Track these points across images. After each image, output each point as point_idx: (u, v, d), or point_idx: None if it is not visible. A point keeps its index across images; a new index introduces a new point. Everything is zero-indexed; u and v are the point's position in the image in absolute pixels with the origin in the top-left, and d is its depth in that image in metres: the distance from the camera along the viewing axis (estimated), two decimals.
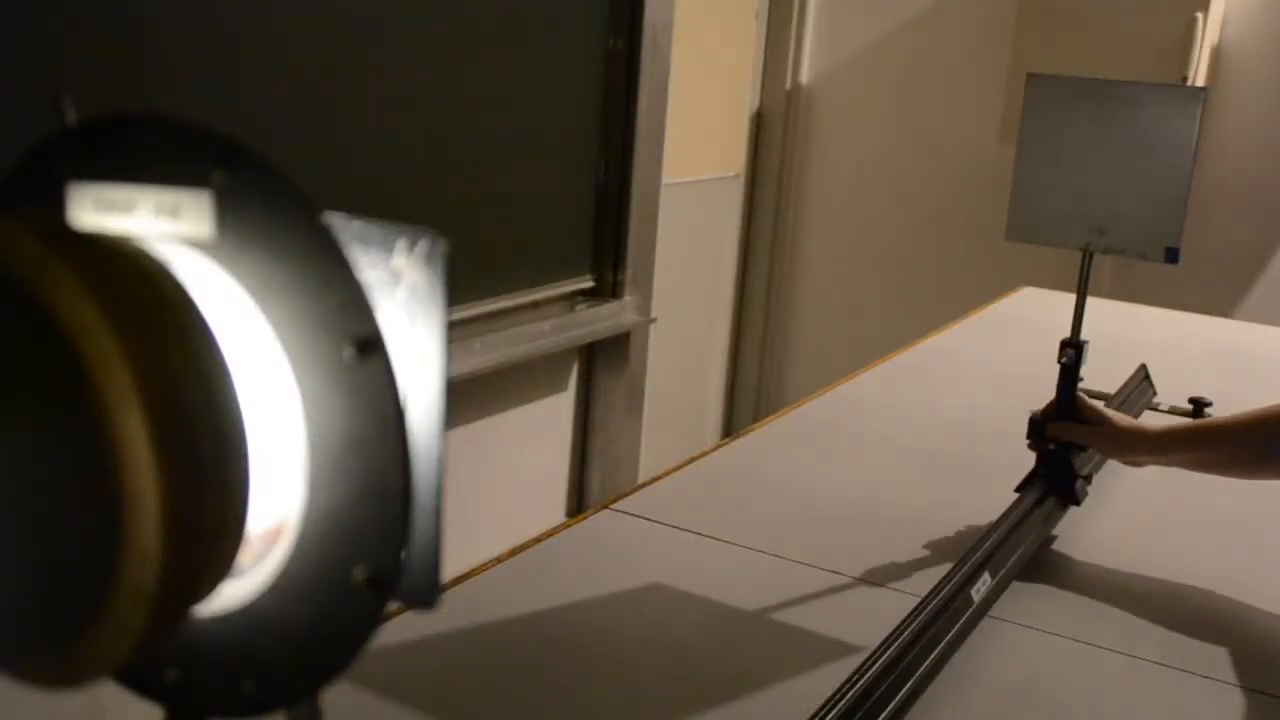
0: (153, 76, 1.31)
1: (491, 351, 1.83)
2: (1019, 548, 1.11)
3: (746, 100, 3.44)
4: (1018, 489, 1.20)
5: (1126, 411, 1.56)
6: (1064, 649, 1.00)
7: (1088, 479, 1.24)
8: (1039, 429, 1.20)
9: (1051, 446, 1.20)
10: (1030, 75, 1.17)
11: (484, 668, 0.92)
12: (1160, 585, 1.14)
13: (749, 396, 3.68)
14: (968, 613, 0.97)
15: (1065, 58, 2.87)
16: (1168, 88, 1.17)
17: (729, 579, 1.09)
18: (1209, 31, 2.75)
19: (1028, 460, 1.21)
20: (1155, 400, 1.65)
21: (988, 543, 1.07)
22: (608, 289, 2.15)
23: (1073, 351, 1.25)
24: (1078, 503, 1.22)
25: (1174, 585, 1.14)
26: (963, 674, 0.94)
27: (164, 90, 1.31)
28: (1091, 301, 2.44)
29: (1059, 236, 1.21)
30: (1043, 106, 1.18)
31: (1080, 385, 1.62)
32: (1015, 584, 1.09)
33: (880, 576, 1.10)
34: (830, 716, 0.78)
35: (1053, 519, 1.22)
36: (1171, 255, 1.16)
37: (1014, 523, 1.13)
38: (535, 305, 1.97)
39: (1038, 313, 2.32)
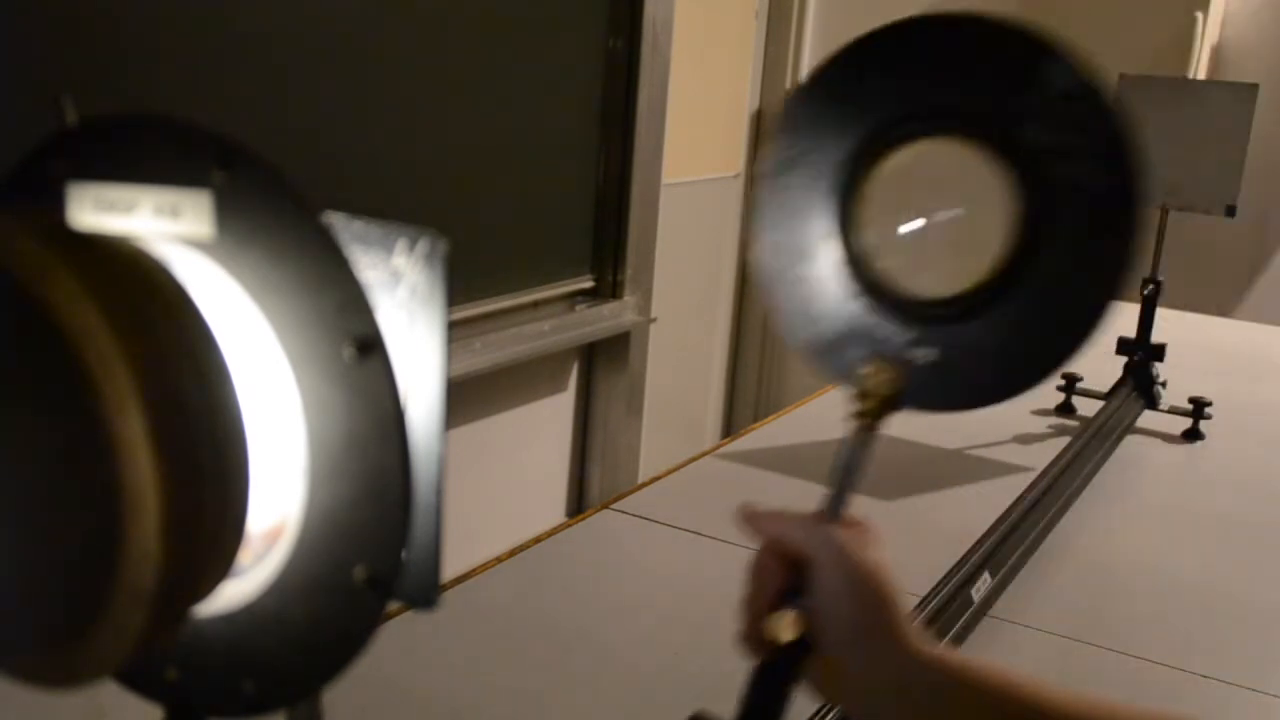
0: (153, 76, 1.31)
1: (491, 351, 1.83)
2: (1019, 548, 1.11)
3: (746, 100, 3.44)
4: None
5: (1123, 413, 1.57)
6: (1064, 649, 1.00)
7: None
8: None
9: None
10: (1122, 75, 1.55)
11: (484, 668, 0.92)
12: (1160, 585, 1.14)
13: (749, 396, 3.68)
14: (968, 613, 0.97)
15: None
16: (1228, 84, 1.63)
17: (729, 579, 1.09)
18: (1209, 31, 2.75)
19: (1027, 460, 1.21)
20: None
21: (988, 543, 1.07)
22: (608, 289, 2.15)
23: (1153, 286, 1.59)
24: None
25: (1173, 586, 1.14)
26: None
27: (164, 90, 1.31)
28: None
29: None
30: (1131, 99, 1.46)
31: (1079, 385, 1.62)
32: (1015, 584, 1.09)
33: None
34: (830, 716, 0.79)
35: (1055, 518, 1.22)
36: (1230, 211, 1.53)
37: (1014, 523, 1.13)
38: (535, 305, 1.96)
39: None
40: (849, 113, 0.57)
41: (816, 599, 0.59)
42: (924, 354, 0.57)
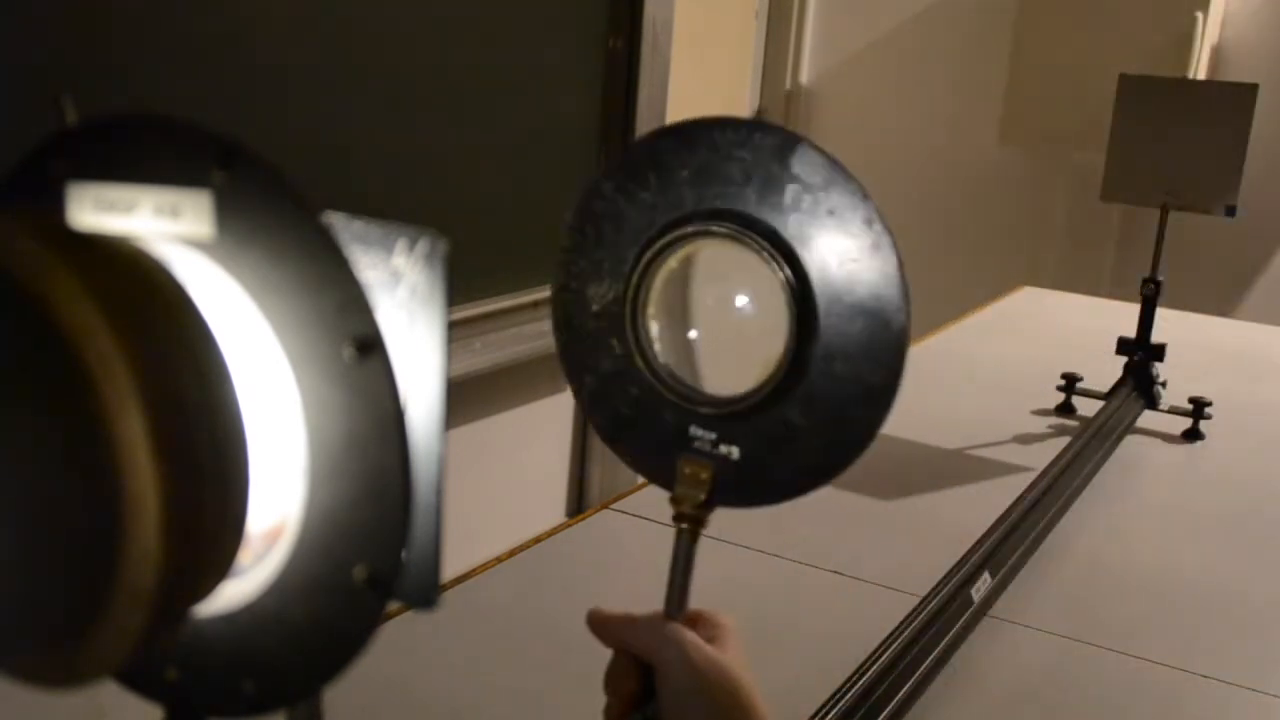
0: (153, 76, 1.31)
1: (491, 351, 1.83)
2: (1019, 548, 1.11)
3: (746, 100, 3.44)
4: None
5: (1123, 413, 1.57)
6: (1064, 649, 1.00)
7: None
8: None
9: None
10: (1122, 75, 1.55)
11: (484, 668, 0.92)
12: (1160, 585, 1.14)
13: None
14: (968, 613, 0.97)
15: (1065, 58, 2.87)
16: (1228, 84, 1.61)
17: (729, 579, 1.09)
18: (1209, 31, 2.75)
19: (1027, 460, 1.21)
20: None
21: (988, 543, 1.07)
22: None
23: (1152, 286, 1.58)
24: None
25: (1174, 585, 1.14)
26: (963, 674, 0.94)
27: (164, 90, 1.31)
28: (1091, 301, 2.43)
29: (1142, 197, 1.56)
30: (1131, 99, 1.54)
31: (1079, 385, 1.62)
32: (1015, 584, 1.09)
33: (880, 576, 1.10)
34: (830, 716, 0.79)
35: (1055, 518, 1.22)
36: (1230, 211, 1.52)
37: (1014, 523, 1.13)
38: (535, 305, 1.96)
39: (1038, 313, 2.32)
40: (633, 215, 0.59)
41: (665, 702, 0.57)
42: (728, 451, 0.59)
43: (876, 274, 0.53)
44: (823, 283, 0.54)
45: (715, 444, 0.59)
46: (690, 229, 0.57)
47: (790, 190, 0.54)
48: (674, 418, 0.60)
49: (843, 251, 0.54)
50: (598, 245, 0.60)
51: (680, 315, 0.60)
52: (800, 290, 0.55)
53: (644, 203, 0.58)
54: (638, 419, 0.61)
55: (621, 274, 0.59)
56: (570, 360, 0.63)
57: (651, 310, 0.59)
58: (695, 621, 0.63)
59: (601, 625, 0.62)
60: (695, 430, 0.59)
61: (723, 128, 0.56)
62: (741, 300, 0.59)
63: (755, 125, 0.55)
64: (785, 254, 0.55)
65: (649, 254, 0.58)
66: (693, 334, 0.61)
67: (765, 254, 0.55)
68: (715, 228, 0.56)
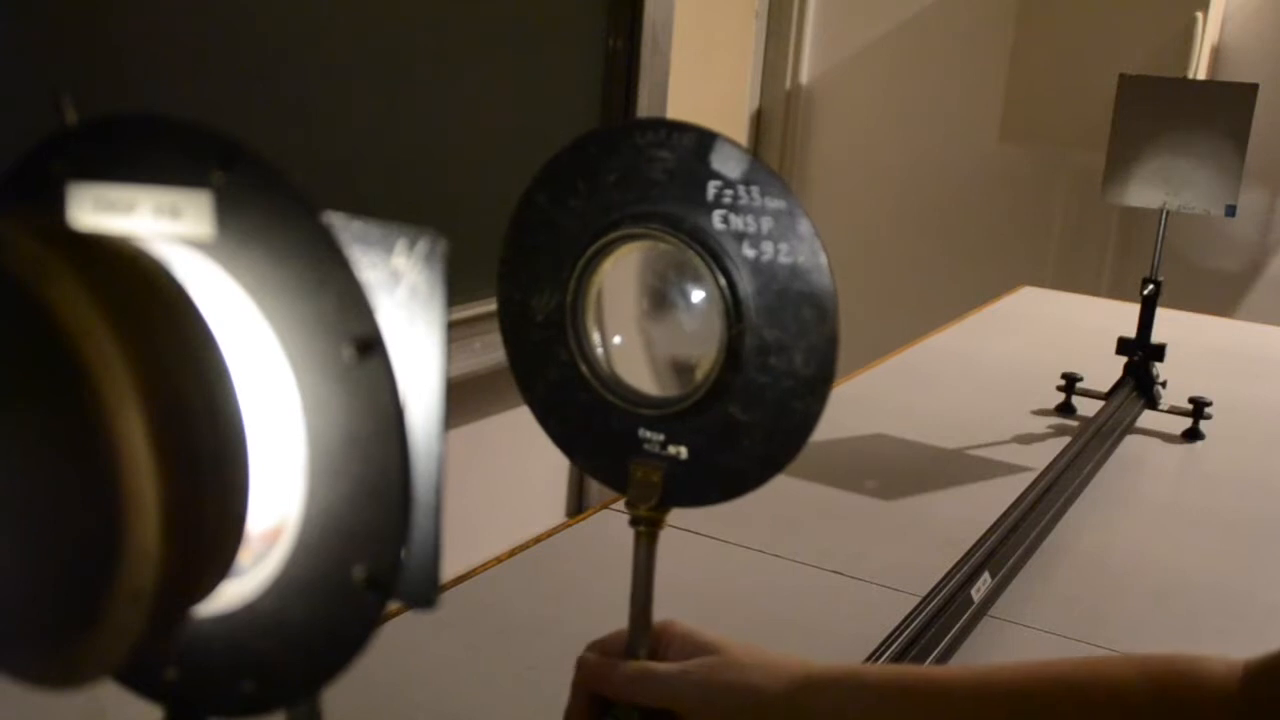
0: (153, 76, 1.31)
1: (491, 351, 1.83)
2: (1019, 548, 1.11)
3: (746, 100, 3.44)
4: None
5: (1123, 413, 1.57)
6: (1064, 649, 1.00)
7: None
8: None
9: None
10: (1122, 75, 1.56)
11: (484, 668, 0.92)
12: (1160, 585, 1.14)
13: None
14: (968, 613, 0.97)
15: (1065, 58, 2.87)
16: (1228, 84, 1.57)
17: (729, 579, 1.09)
18: (1209, 31, 2.75)
19: (1027, 460, 1.21)
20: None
21: (988, 543, 1.07)
22: None
23: (1153, 286, 1.58)
24: None
25: (1174, 585, 1.14)
26: None
27: (164, 90, 1.31)
28: (1091, 301, 2.44)
29: (1143, 198, 1.56)
30: (1132, 100, 1.55)
31: (1079, 385, 1.62)
32: (1015, 584, 1.09)
33: (880, 576, 1.10)
34: None
35: (1055, 518, 1.22)
36: (1230, 210, 1.51)
37: (1014, 523, 1.13)
38: None
39: (1038, 313, 2.32)
40: (567, 223, 0.60)
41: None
42: (677, 451, 0.60)
43: (803, 265, 0.54)
44: (751, 277, 0.55)
45: (664, 445, 0.60)
46: (619, 233, 0.58)
47: (712, 187, 0.55)
48: (623, 422, 0.61)
49: (768, 245, 0.55)
50: (536, 255, 0.61)
51: (619, 319, 0.61)
52: (729, 286, 0.56)
53: (575, 210, 0.59)
54: (589, 425, 0.62)
55: (560, 282, 0.60)
56: (520, 371, 0.64)
57: (591, 316, 0.60)
58: (667, 638, 0.65)
59: (603, 679, 0.64)
60: (644, 433, 0.60)
61: (643, 130, 0.56)
62: (675, 300, 0.60)
63: (673, 125, 0.56)
64: (712, 251, 0.56)
65: (583, 261, 0.59)
66: (625, 338, 0.61)
67: (692, 252, 0.56)
68: (642, 230, 0.57)
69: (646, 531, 0.62)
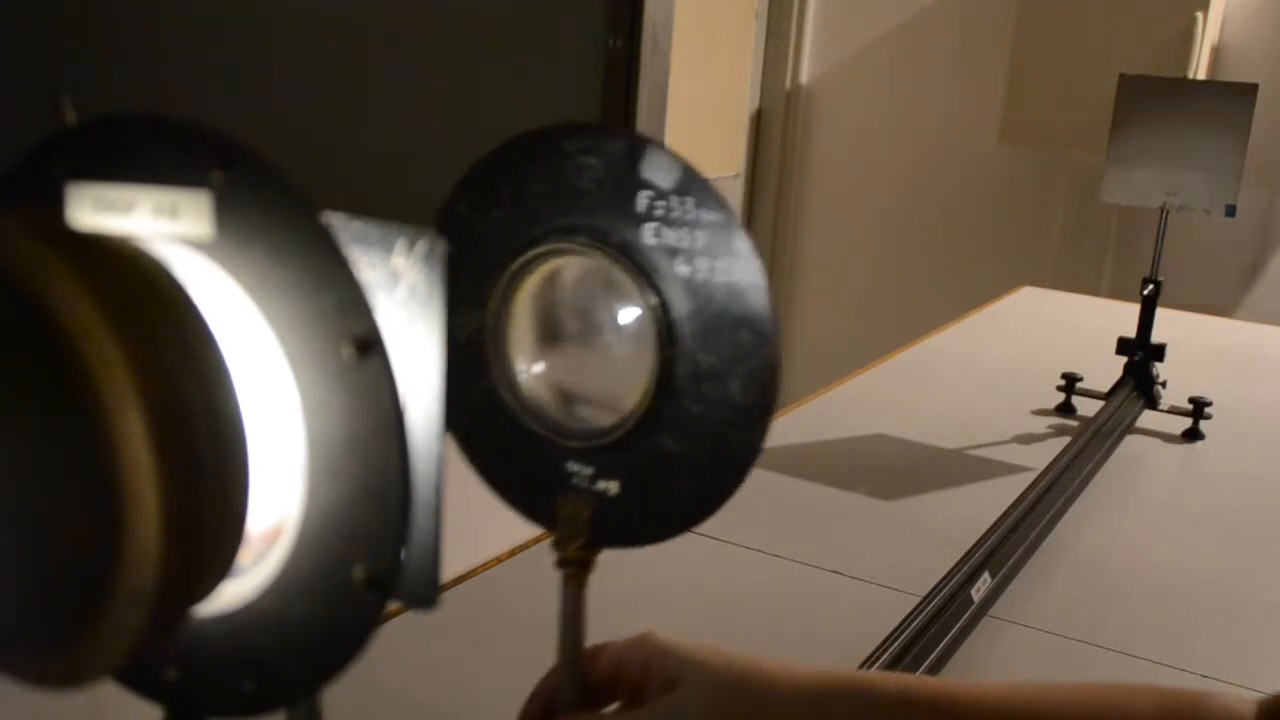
0: (153, 76, 1.31)
1: None
2: (1019, 548, 1.11)
3: (746, 100, 3.44)
4: None
5: (1123, 413, 1.57)
6: (1064, 649, 1.00)
7: None
8: None
9: None
10: (1122, 75, 1.56)
11: (484, 668, 0.92)
12: (1160, 585, 1.14)
13: None
14: (968, 613, 0.97)
15: (1065, 58, 2.88)
16: (1228, 84, 1.61)
17: (729, 579, 1.09)
18: (1209, 31, 2.75)
19: (1027, 460, 1.21)
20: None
21: (988, 543, 1.07)
22: None
23: (1153, 286, 1.58)
24: None
25: (1174, 585, 1.14)
26: (963, 674, 0.94)
27: (164, 90, 1.31)
28: (1091, 301, 2.43)
29: (1142, 197, 1.57)
30: (1132, 100, 1.56)
31: (1079, 385, 1.62)
32: (1015, 584, 1.09)
33: (880, 576, 1.10)
34: None
35: (1055, 518, 1.22)
36: (1230, 210, 1.50)
37: (1014, 523, 1.13)
38: None
39: (1038, 313, 2.32)
40: (490, 236, 0.55)
41: None
42: (606, 487, 0.55)
43: (740, 284, 0.49)
44: (684, 297, 0.50)
45: (594, 479, 0.55)
46: (544, 247, 0.53)
47: (643, 198, 0.50)
48: (550, 454, 0.55)
49: (702, 261, 0.49)
50: (458, 271, 0.53)
51: (544, 342, 0.56)
52: (661, 306, 0.50)
53: (499, 221, 0.54)
54: (514, 457, 0.57)
55: (482, 300, 0.55)
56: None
57: (515, 338, 0.55)
58: (643, 654, 0.63)
59: None
60: (572, 466, 0.55)
61: (570, 134, 0.51)
62: (604, 321, 0.54)
63: (602, 130, 0.51)
64: (642, 268, 0.50)
65: (506, 276, 0.54)
66: (551, 363, 0.56)
67: (622, 268, 0.51)
68: (569, 244, 0.52)
69: (575, 575, 0.57)
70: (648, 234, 0.50)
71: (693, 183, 0.49)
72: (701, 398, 0.51)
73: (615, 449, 0.53)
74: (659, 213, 0.50)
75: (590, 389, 0.55)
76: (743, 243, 0.49)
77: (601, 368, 0.55)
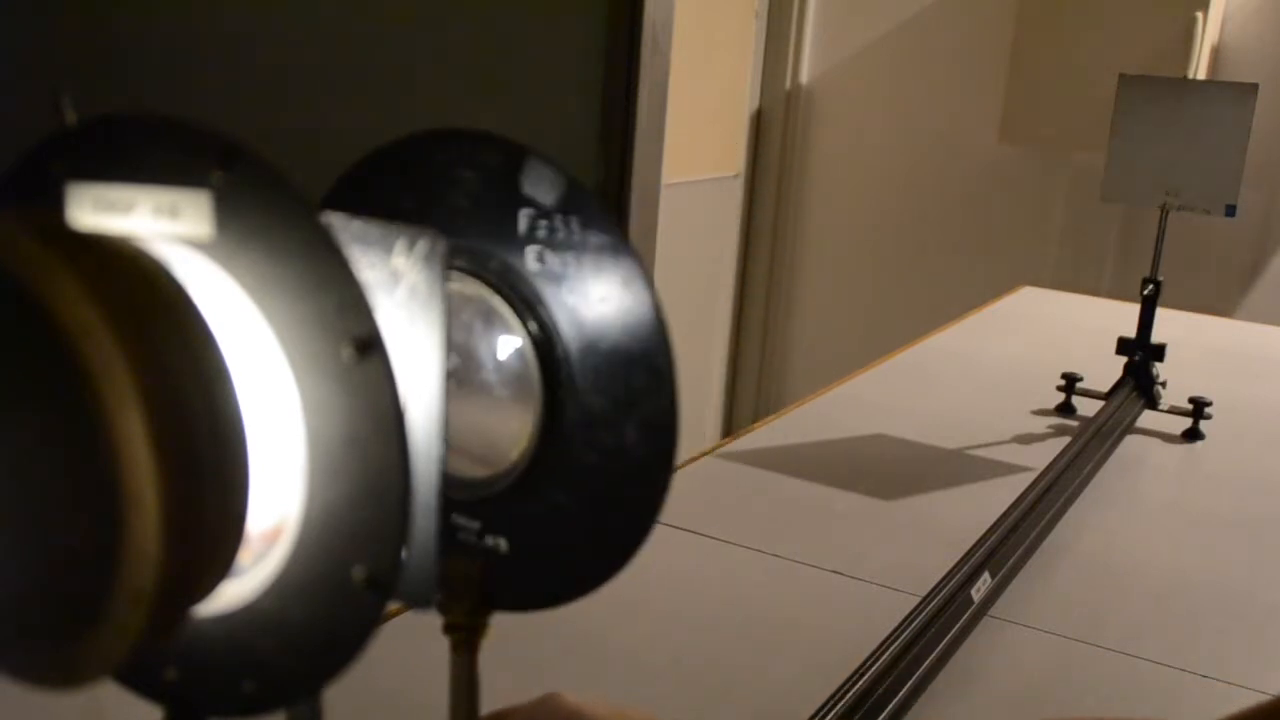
0: (153, 76, 1.31)
1: None
2: (1019, 548, 1.11)
3: (746, 100, 3.44)
4: None
5: (1123, 413, 1.57)
6: (1064, 649, 1.00)
7: None
8: None
9: None
10: (1122, 75, 1.56)
11: (484, 668, 0.92)
12: (1160, 585, 1.14)
13: (749, 396, 3.68)
14: (968, 613, 0.97)
15: (1065, 58, 2.88)
16: (1228, 84, 1.57)
17: (729, 579, 1.09)
18: (1209, 31, 2.75)
19: (1027, 460, 1.21)
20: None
21: (988, 543, 1.07)
22: None
23: (1153, 286, 1.58)
24: None
25: (1174, 585, 1.14)
26: (963, 674, 0.94)
27: (164, 90, 1.31)
28: (1091, 301, 2.44)
29: (1142, 197, 1.57)
30: (1131, 99, 1.56)
31: (1079, 385, 1.62)
32: (1015, 584, 1.09)
33: (880, 576, 1.10)
34: (830, 716, 0.78)
35: (1055, 518, 1.22)
36: (1230, 210, 1.51)
37: (1014, 523, 1.13)
38: None
39: (1038, 313, 2.32)
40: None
41: None
42: (495, 543, 0.48)
43: (631, 316, 0.43)
44: (572, 331, 0.44)
45: (481, 535, 0.48)
46: None
47: (524, 216, 0.44)
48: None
49: (590, 290, 0.43)
50: None
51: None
52: (546, 342, 0.44)
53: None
54: None
55: None
56: None
57: None
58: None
59: None
60: (458, 519, 0.49)
61: (443, 143, 0.46)
62: (483, 358, 0.47)
63: (479, 138, 0.45)
64: (524, 297, 0.44)
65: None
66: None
67: (501, 297, 0.44)
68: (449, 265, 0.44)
69: (465, 641, 0.52)
70: (530, 258, 0.44)
71: (578, 199, 0.43)
72: (594, 446, 0.45)
73: (503, 501, 0.47)
74: (542, 234, 0.44)
75: (469, 435, 0.48)
76: (634, 268, 0.43)
77: (482, 411, 0.48)
